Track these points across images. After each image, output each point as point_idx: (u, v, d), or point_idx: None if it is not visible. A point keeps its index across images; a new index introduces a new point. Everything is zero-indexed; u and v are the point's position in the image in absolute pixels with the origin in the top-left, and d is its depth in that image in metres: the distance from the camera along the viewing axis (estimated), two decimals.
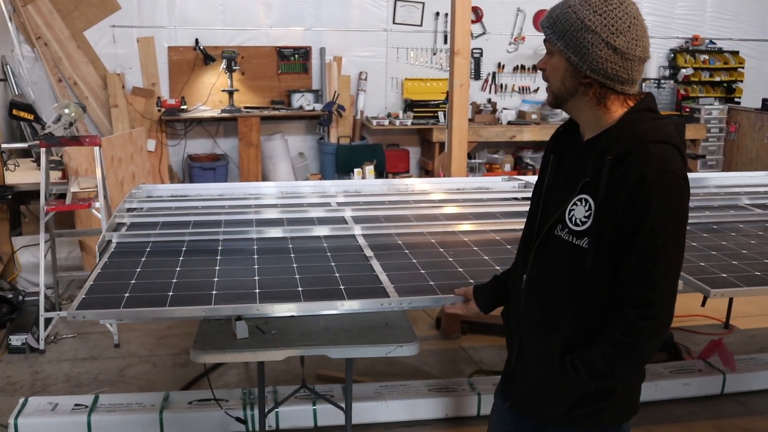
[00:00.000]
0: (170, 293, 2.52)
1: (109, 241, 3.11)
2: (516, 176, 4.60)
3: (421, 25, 8.72)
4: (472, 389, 3.97)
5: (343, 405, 3.26)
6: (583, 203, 1.78)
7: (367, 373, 4.33)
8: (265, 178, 7.92)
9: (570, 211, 1.82)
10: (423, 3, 8.64)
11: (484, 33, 8.89)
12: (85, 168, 5.40)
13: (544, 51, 1.90)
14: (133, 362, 4.56)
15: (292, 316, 2.88)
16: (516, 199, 4.13)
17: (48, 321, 4.78)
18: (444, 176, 5.38)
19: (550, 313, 1.90)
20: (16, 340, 4.63)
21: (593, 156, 1.78)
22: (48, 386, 4.24)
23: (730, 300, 5.13)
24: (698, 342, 4.57)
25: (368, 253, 3.00)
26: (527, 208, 3.80)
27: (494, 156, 8.86)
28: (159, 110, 7.64)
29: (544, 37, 1.86)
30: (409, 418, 3.86)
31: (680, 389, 4.12)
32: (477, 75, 9.00)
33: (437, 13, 8.70)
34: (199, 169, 7.72)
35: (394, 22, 8.64)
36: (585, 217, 1.78)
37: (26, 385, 4.24)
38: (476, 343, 4.89)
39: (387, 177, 8.07)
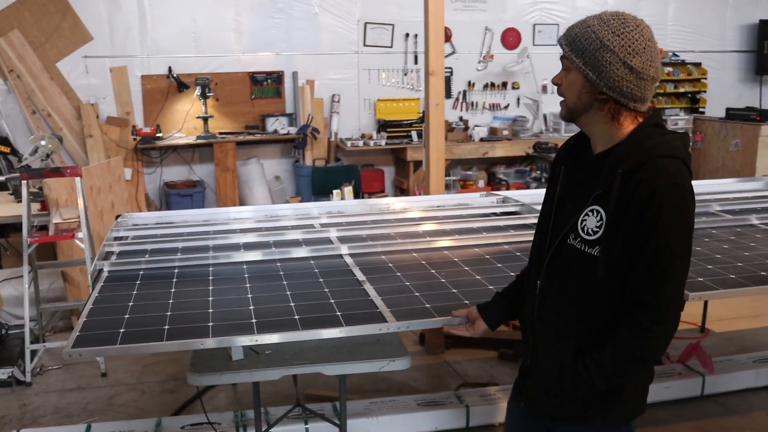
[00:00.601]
0: (166, 327, 2.54)
1: (101, 270, 3.16)
2: (493, 192, 4.70)
3: (391, 47, 8.85)
4: (460, 402, 4.05)
5: (337, 423, 3.31)
6: (595, 214, 1.88)
7: (354, 391, 4.39)
8: (242, 203, 7.97)
9: (582, 221, 1.91)
10: (393, 25, 8.78)
11: (453, 52, 9.03)
12: (65, 199, 5.42)
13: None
14: (121, 390, 4.58)
15: None
16: (495, 214, 4.24)
17: (33, 353, 4.78)
18: (422, 194, 5.47)
19: (562, 317, 1.99)
20: (2, 373, 4.62)
21: (605, 169, 1.88)
22: (38, 418, 4.24)
23: (705, 304, 5.27)
24: (676, 346, 4.69)
25: (360, 276, 3.06)
26: (506, 223, 3.93)
27: (468, 173, 8.98)
28: (135, 139, 7.67)
29: (561, 53, 1.95)
30: None
31: (662, 392, 4.23)
32: (448, 94, 9.14)
33: (407, 35, 8.84)
34: (176, 195, 7.75)
35: (364, 45, 8.76)
36: (596, 227, 1.88)
37: (15, 419, 4.24)
38: (460, 357, 4.97)
39: (363, 197, 8.16)
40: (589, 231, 1.90)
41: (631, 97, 1.88)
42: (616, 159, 1.87)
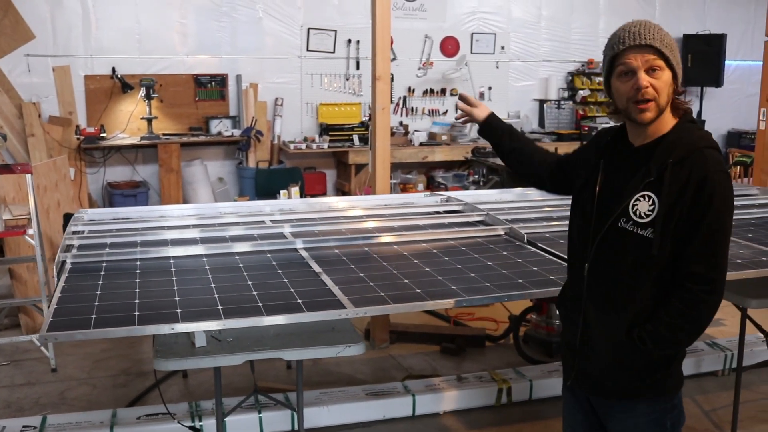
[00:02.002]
0: (136, 313, 2.66)
1: (64, 262, 3.26)
2: (437, 192, 4.92)
3: (333, 52, 9.04)
4: (407, 391, 4.24)
5: (292, 411, 3.47)
6: (647, 199, 2.10)
7: (304, 383, 4.53)
8: (186, 203, 8.02)
9: (633, 205, 2.12)
10: (335, 31, 8.96)
11: (394, 59, 9.26)
12: (12, 196, 5.44)
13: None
14: (72, 385, 4.63)
15: None
16: (438, 212, 4.45)
17: None
18: (367, 194, 5.66)
19: (613, 295, 2.19)
20: None
21: (655, 159, 2.10)
22: None
23: None
24: None
25: (317, 268, 3.22)
26: (451, 221, 4.14)
27: (408, 176, 9.22)
28: (78, 139, 7.67)
29: (647, 54, 2.08)
30: (349, 421, 4.10)
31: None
32: (389, 99, 9.34)
33: (349, 41, 9.04)
34: (119, 196, 7.78)
35: (307, 50, 8.92)
36: (649, 210, 2.09)
37: None
38: (405, 351, 5.17)
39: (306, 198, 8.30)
40: (642, 214, 2.11)
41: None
42: (666, 150, 2.10)
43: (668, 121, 2.15)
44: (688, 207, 2.06)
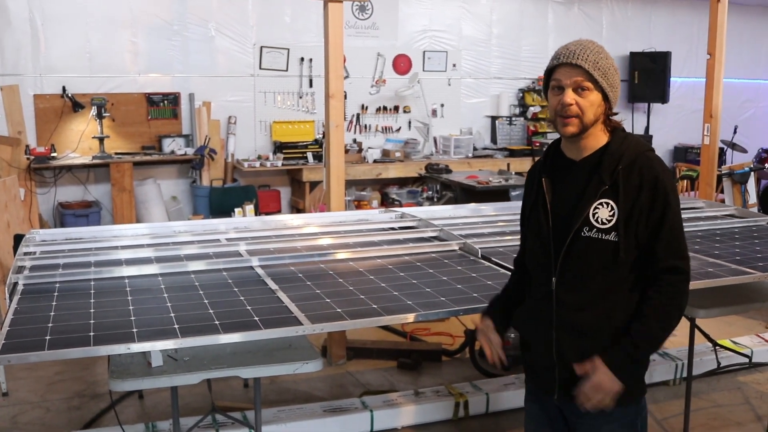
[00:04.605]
0: (91, 333, 2.64)
1: (16, 284, 3.22)
2: (391, 209, 4.96)
3: (286, 70, 9.06)
4: (365, 407, 4.26)
5: (250, 430, 3.46)
6: (605, 206, 2.22)
7: (261, 401, 4.52)
8: (139, 222, 7.94)
9: (594, 214, 2.23)
10: (288, 49, 8.99)
11: (347, 77, 9.28)
12: None
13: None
14: (24, 409, 4.55)
15: None
16: (393, 228, 4.49)
17: None
18: (322, 212, 5.68)
19: (584, 301, 2.27)
20: None
21: (604, 168, 2.23)
22: None
23: None
24: None
25: (273, 285, 3.24)
26: (405, 237, 4.18)
27: (362, 193, 9.25)
28: (28, 158, 7.56)
29: (576, 75, 2.21)
30: None
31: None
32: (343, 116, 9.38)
33: (302, 59, 9.07)
34: (71, 216, 7.67)
35: (260, 68, 8.93)
36: (609, 216, 2.21)
37: None
38: (362, 368, 5.19)
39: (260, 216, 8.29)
40: (603, 221, 2.22)
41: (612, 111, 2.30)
42: (612, 158, 2.24)
43: (601, 136, 2.30)
44: (647, 207, 2.20)
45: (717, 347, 4.58)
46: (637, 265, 2.25)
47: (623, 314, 2.26)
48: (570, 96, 2.22)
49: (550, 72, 2.29)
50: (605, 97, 2.25)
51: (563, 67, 2.23)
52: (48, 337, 2.61)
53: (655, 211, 2.21)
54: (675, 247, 2.24)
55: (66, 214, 7.72)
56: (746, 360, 4.86)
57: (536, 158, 9.56)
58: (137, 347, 2.58)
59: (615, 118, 2.31)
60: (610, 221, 2.22)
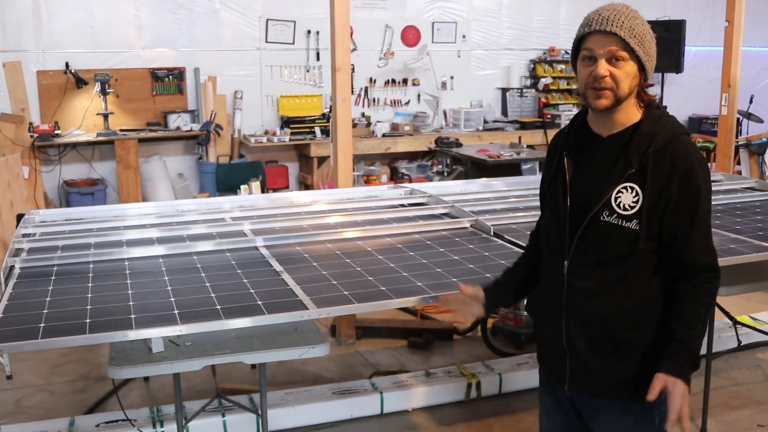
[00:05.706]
0: (87, 320, 2.54)
1: (12, 267, 3.12)
2: (400, 185, 4.84)
3: (293, 44, 8.90)
4: (374, 389, 4.16)
5: (256, 413, 3.37)
6: (629, 190, 2.04)
7: (269, 383, 4.40)
8: (145, 201, 7.85)
9: (616, 198, 2.05)
10: (294, 22, 8.82)
11: (355, 49, 9.13)
12: None
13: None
14: (28, 392, 4.48)
15: None
16: (402, 205, 4.37)
17: None
18: (330, 188, 5.56)
19: (596, 288, 2.12)
20: None
21: (633, 149, 2.04)
22: None
23: None
24: None
25: (277, 267, 3.13)
26: (415, 214, 4.06)
27: (371, 168, 9.12)
28: (31, 136, 7.45)
29: (611, 43, 2.01)
30: (316, 422, 4.01)
31: None
32: (350, 90, 9.24)
33: (309, 32, 8.90)
34: (76, 194, 7.58)
35: (266, 41, 8.77)
36: (633, 202, 2.03)
37: None
38: (371, 347, 5.09)
39: (267, 193, 8.18)
40: (626, 207, 2.05)
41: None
42: (643, 139, 2.04)
43: (634, 111, 2.09)
44: (676, 198, 2.03)
45: (737, 324, 4.45)
46: (654, 255, 2.10)
47: (633, 303, 2.11)
48: (604, 67, 2.02)
49: (580, 40, 2.08)
50: (641, 68, 2.05)
51: (595, 35, 2.03)
52: (42, 325, 2.51)
53: (685, 205, 2.04)
54: (704, 243, 2.10)
55: (71, 193, 7.62)
56: (766, 337, 4.73)
57: (547, 131, 9.40)
58: (135, 335, 2.48)
59: (650, 90, 2.12)
60: (632, 207, 2.05)
